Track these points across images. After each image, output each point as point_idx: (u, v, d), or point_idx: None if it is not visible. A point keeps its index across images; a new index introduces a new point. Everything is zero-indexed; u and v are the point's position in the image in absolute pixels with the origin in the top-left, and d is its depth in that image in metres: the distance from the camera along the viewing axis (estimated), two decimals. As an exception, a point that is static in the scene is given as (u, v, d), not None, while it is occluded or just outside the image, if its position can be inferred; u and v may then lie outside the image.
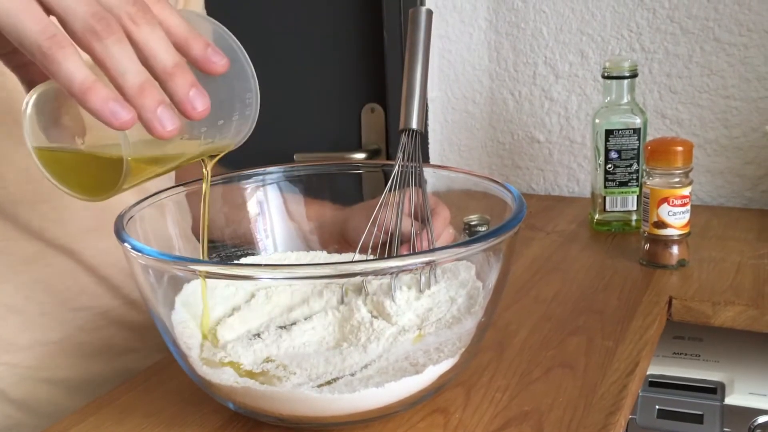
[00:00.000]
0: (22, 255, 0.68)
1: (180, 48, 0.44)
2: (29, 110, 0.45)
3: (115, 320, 0.74)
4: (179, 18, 0.44)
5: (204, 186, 0.56)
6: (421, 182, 0.65)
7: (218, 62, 0.45)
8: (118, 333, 0.74)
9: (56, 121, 0.46)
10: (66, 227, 0.69)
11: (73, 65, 0.39)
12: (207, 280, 0.62)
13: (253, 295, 0.64)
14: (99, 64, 0.40)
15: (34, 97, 0.45)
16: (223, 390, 0.54)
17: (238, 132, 0.51)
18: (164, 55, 0.42)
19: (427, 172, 0.68)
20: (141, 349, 0.75)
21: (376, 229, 0.64)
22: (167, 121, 0.41)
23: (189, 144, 0.49)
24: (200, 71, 0.45)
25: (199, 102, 0.43)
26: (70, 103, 0.45)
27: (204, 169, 0.54)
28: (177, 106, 0.42)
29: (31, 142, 0.45)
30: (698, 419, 0.79)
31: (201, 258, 0.59)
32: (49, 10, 0.40)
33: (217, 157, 0.54)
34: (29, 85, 0.47)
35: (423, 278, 0.61)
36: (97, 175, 0.47)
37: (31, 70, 0.46)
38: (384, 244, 0.64)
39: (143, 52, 0.41)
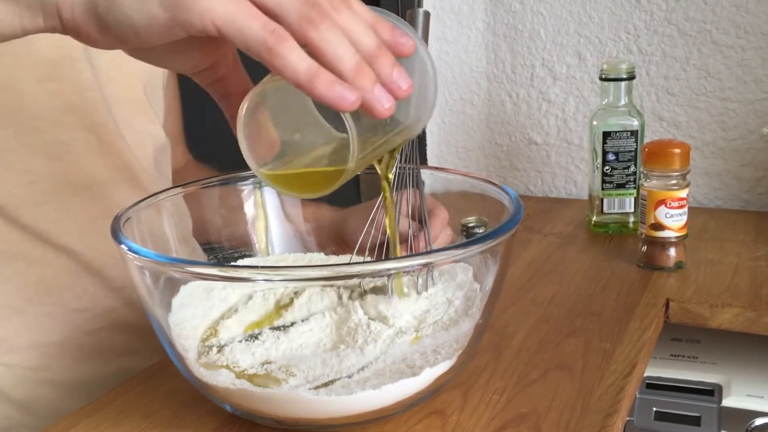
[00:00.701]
0: (24, 256, 0.68)
1: None
2: (243, 136, 0.46)
3: (116, 322, 0.74)
4: (363, 4, 0.45)
5: (386, 196, 0.58)
6: (418, 184, 0.65)
7: (406, 43, 0.45)
8: (119, 335, 0.74)
9: (260, 137, 0.47)
10: (68, 229, 0.69)
11: (296, 56, 0.40)
12: (205, 282, 0.62)
13: (250, 297, 0.64)
14: (316, 50, 0.41)
15: (242, 123, 0.46)
16: (220, 392, 0.54)
17: (422, 115, 0.51)
18: (367, 39, 0.42)
19: (425, 174, 0.68)
20: (141, 351, 0.75)
21: (373, 230, 0.64)
22: (385, 100, 0.42)
23: (387, 131, 0.50)
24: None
25: (403, 81, 0.43)
26: (266, 115, 0.47)
27: (384, 180, 0.56)
28: (384, 86, 0.43)
29: (256, 168, 0.47)
30: (695, 421, 0.79)
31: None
32: (262, 8, 0.41)
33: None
34: (224, 99, 0.48)
35: (420, 280, 0.61)
36: (318, 177, 0.48)
37: (223, 84, 0.48)
38: (381, 245, 0.64)
39: (348, 36, 0.42)
